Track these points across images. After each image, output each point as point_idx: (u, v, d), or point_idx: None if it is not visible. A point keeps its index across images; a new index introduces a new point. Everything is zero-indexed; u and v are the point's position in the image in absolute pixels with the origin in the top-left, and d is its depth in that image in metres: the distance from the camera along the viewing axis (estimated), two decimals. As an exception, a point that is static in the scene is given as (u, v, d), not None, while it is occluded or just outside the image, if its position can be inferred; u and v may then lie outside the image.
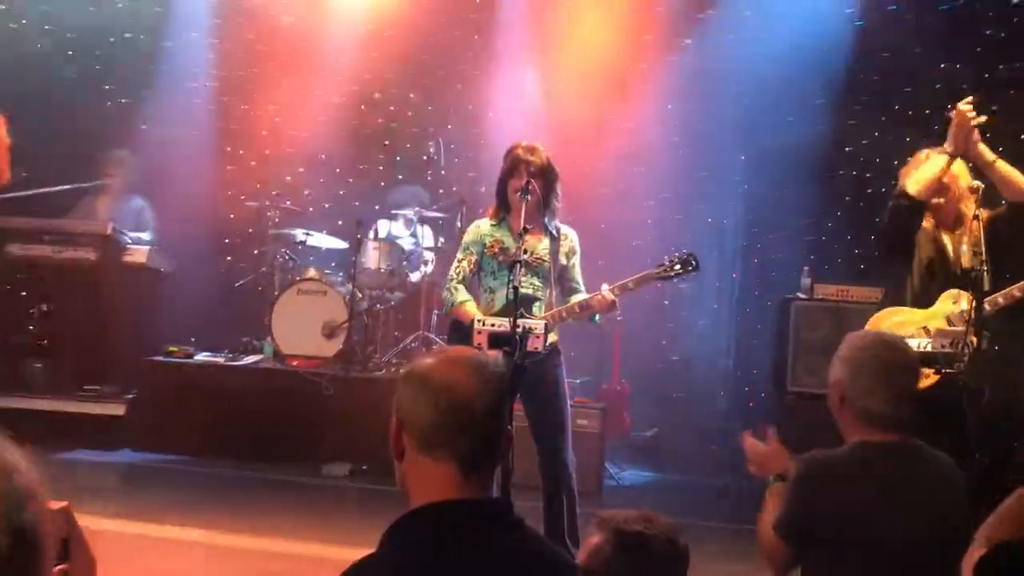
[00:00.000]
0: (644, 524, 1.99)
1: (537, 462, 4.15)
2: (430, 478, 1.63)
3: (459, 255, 4.35)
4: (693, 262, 4.11)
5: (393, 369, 6.97)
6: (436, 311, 7.44)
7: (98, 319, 7.02)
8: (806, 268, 6.59)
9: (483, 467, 1.65)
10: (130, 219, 7.43)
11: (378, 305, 7.36)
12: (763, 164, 7.53)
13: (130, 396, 6.82)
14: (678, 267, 4.11)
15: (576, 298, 4.25)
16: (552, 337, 4.13)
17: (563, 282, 4.32)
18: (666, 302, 8.01)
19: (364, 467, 6.26)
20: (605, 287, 4.09)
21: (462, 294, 4.22)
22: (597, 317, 4.23)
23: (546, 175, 4.18)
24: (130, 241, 7.29)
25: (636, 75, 7.87)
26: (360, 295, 7.22)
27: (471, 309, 4.16)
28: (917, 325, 3.71)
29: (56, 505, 2.62)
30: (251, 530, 4.81)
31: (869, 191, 7.25)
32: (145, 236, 7.46)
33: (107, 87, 8.33)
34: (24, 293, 7.24)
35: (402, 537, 1.59)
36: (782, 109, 7.35)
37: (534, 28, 8.13)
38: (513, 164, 4.17)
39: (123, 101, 8.31)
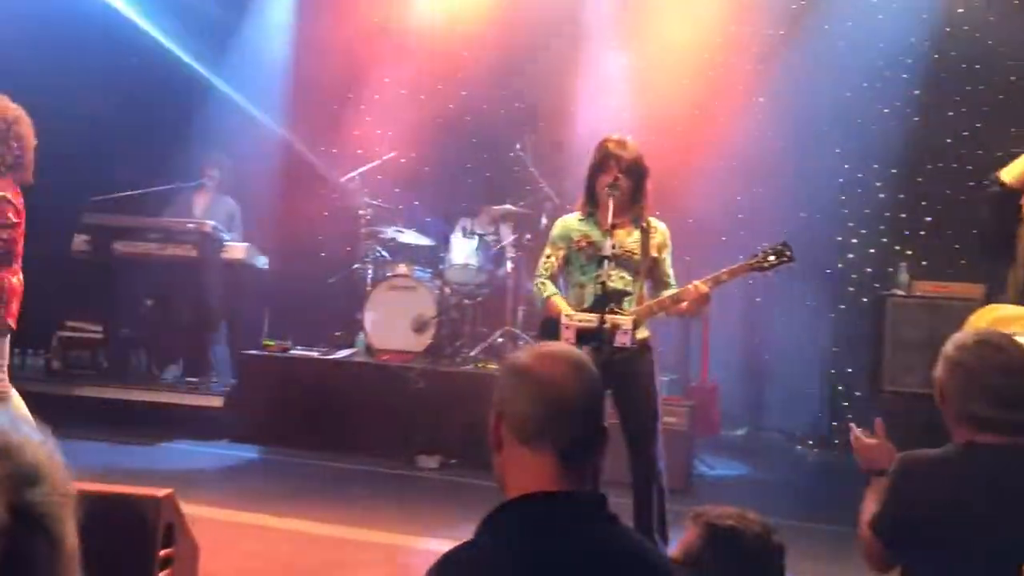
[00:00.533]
0: (738, 520, 1.97)
1: (627, 459, 4.13)
2: (528, 469, 1.66)
3: (547, 250, 4.35)
4: (788, 253, 4.00)
5: (480, 364, 7.03)
6: (522, 307, 7.48)
7: (198, 313, 7.29)
8: (903, 264, 6.40)
9: (580, 461, 1.67)
10: (222, 219, 7.68)
11: (466, 300, 7.44)
12: (858, 157, 7.35)
13: (228, 388, 7.05)
14: (772, 258, 4.00)
15: (668, 293, 4.19)
16: (643, 333, 4.10)
17: (654, 276, 4.26)
18: (758, 299, 7.88)
19: (453, 461, 6.34)
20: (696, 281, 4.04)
21: (550, 288, 4.22)
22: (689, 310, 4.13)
23: (635, 170, 4.14)
24: (228, 238, 7.54)
25: (727, 68, 7.76)
26: (448, 290, 7.30)
27: (559, 303, 4.13)
28: (1021, 322, 3.56)
29: (161, 492, 2.74)
30: (345, 520, 4.92)
31: (970, 184, 6.99)
32: (233, 237, 7.68)
33: (206, 88, 8.61)
34: (131, 289, 7.57)
35: (498, 526, 1.62)
36: (877, 100, 7.16)
37: (623, 23, 8.08)
38: (602, 158, 4.14)
39: (220, 102, 8.58)
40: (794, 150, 7.69)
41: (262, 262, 7.74)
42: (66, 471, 1.05)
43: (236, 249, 7.44)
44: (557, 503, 1.62)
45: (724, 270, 4.02)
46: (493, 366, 6.99)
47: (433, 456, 6.37)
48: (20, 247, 4.34)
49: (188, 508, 3.00)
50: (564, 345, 1.95)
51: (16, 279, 4.33)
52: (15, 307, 4.31)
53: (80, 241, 7.39)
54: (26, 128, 4.25)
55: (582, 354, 1.77)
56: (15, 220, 4.26)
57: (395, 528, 4.83)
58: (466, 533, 1.65)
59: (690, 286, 4.00)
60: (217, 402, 6.96)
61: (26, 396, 6.73)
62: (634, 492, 4.10)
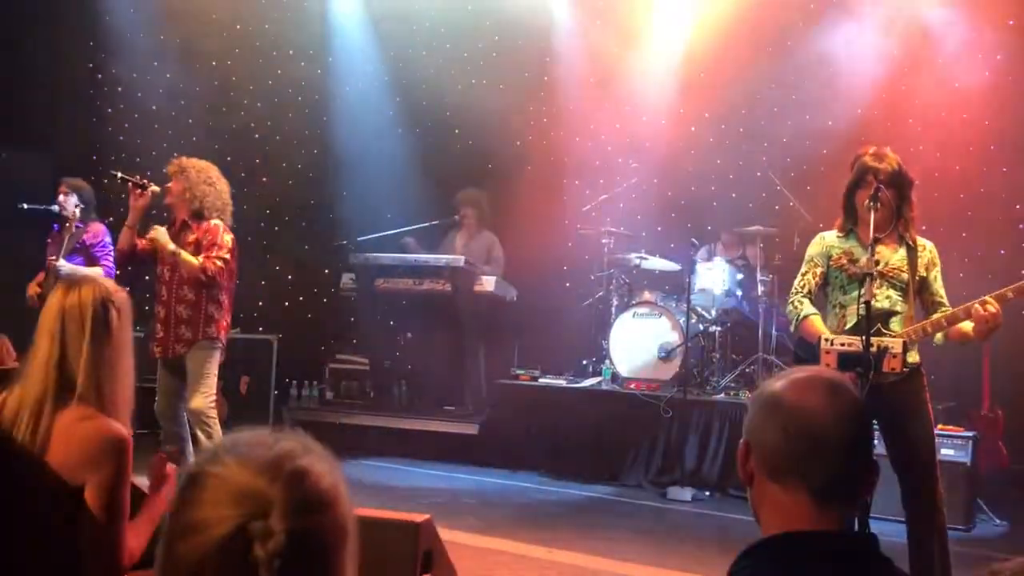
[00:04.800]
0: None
1: (901, 499, 3.77)
2: (780, 506, 1.53)
3: (803, 268, 4.10)
4: None
5: (732, 392, 6.79)
6: (776, 332, 7.16)
7: (454, 344, 7.60)
8: None
9: (840, 498, 1.52)
10: (481, 254, 7.95)
11: (714, 327, 7.23)
12: None
13: (483, 416, 7.28)
14: None
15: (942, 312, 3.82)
16: (913, 356, 3.77)
17: (924, 296, 3.91)
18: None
19: (707, 493, 6.14)
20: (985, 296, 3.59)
21: (807, 307, 3.96)
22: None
23: (897, 182, 3.83)
24: (481, 272, 7.81)
25: (991, 70, 7.08)
26: (695, 317, 7.13)
27: (818, 324, 3.87)
28: None
29: (420, 518, 2.83)
30: (598, 551, 4.88)
31: None
32: (491, 269, 7.93)
33: (456, 130, 9.03)
34: (391, 322, 8.06)
35: (752, 567, 1.51)
36: None
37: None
38: (860, 173, 3.86)
39: (469, 143, 8.97)
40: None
41: (511, 294, 7.95)
42: (350, 500, 1.09)
43: (487, 282, 7.68)
44: (815, 544, 1.48)
45: (1011, 287, 3.57)
46: (746, 395, 6.73)
47: (686, 488, 6.21)
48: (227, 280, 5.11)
49: (445, 534, 3.07)
50: (822, 370, 1.79)
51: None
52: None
53: (347, 279, 7.96)
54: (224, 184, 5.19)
55: (843, 379, 1.61)
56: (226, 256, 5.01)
57: (648, 561, 4.73)
58: (723, 571, 1.55)
59: (976, 304, 3.57)
60: (472, 429, 7.19)
61: (303, 425, 7.37)
62: (910, 533, 3.74)
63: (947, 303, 3.88)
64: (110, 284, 2.38)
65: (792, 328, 4.09)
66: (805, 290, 4.01)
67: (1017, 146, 7.01)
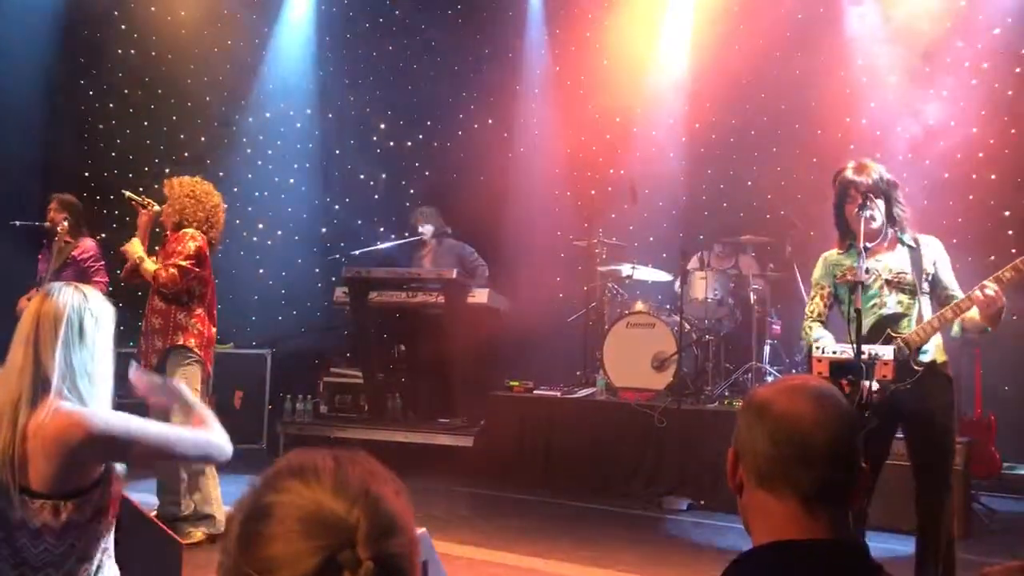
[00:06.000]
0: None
1: (915, 502, 3.80)
2: (770, 514, 1.54)
3: (811, 292, 4.16)
4: None
5: (726, 401, 6.81)
6: (769, 341, 7.20)
7: (448, 357, 7.60)
8: None
9: (831, 505, 1.52)
10: (452, 263, 7.82)
11: (707, 336, 7.25)
12: None
13: (477, 429, 7.27)
14: None
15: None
16: (932, 356, 3.80)
17: (936, 292, 3.94)
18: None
19: (702, 502, 6.15)
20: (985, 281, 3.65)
21: (816, 331, 3.99)
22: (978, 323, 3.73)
23: (881, 189, 3.87)
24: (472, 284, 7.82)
25: (979, 75, 7.13)
26: (688, 326, 7.16)
27: (822, 340, 3.93)
28: None
29: (416, 530, 2.83)
30: (595, 561, 4.88)
31: None
32: (476, 281, 7.91)
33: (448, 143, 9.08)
34: (385, 335, 8.06)
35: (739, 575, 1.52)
36: None
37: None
38: (843, 189, 3.91)
39: (460, 156, 9.01)
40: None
41: (504, 305, 7.96)
42: (414, 518, 1.08)
43: (480, 294, 7.70)
44: (805, 552, 1.49)
45: (1005, 268, 3.64)
46: (739, 404, 6.75)
47: (681, 497, 6.21)
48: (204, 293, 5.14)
49: (441, 547, 3.07)
50: (809, 377, 1.80)
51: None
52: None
53: (340, 293, 7.97)
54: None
55: (830, 387, 1.62)
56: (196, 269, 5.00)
57: (645, 571, 4.73)
58: (715, 579, 1.55)
59: (976, 291, 3.64)
60: (467, 442, 7.19)
61: (298, 439, 7.36)
62: (920, 540, 3.77)
63: (960, 294, 3.87)
64: (90, 292, 2.38)
65: (804, 355, 4.14)
66: (815, 315, 4.07)
67: (1004, 154, 7.06)
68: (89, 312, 2.31)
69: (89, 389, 2.27)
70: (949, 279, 3.95)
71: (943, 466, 3.76)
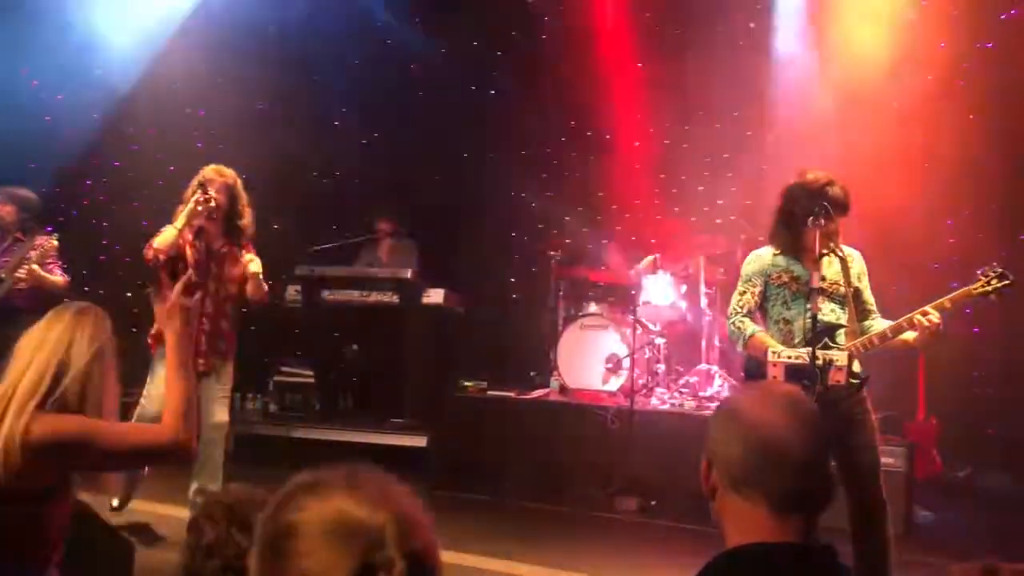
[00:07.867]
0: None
1: (847, 508, 3.86)
2: (742, 519, 1.58)
3: (740, 287, 4.13)
4: (1008, 275, 3.70)
5: (677, 403, 6.89)
6: (719, 344, 7.29)
7: (401, 357, 7.56)
8: None
9: (802, 510, 1.57)
10: (407, 262, 7.80)
11: (659, 339, 7.33)
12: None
13: (431, 429, 7.25)
14: (995, 281, 3.68)
15: (880, 323, 3.94)
16: (856, 367, 3.87)
17: (857, 305, 4.00)
18: (975, 329, 7.29)
19: (653, 503, 6.21)
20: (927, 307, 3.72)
21: (751, 325, 4.01)
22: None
23: (840, 202, 3.94)
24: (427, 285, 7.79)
25: (925, 87, 7.32)
26: (640, 329, 7.23)
27: (766, 339, 3.92)
28: None
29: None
30: (545, 561, 4.92)
31: None
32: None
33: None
34: (336, 334, 7.98)
35: (713, 578, 1.55)
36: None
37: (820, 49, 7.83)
38: (821, 202, 3.85)
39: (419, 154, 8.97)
40: (1005, 168, 7.14)
41: (459, 305, 7.95)
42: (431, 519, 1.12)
43: (435, 294, 7.67)
44: (777, 555, 1.52)
45: (946, 297, 3.72)
46: (691, 405, 6.83)
47: (631, 498, 6.26)
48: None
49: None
50: (781, 384, 1.85)
51: None
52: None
53: (292, 291, 7.87)
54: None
55: (801, 395, 1.67)
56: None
57: (596, 572, 4.77)
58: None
59: (917, 315, 3.70)
60: (421, 442, 7.15)
61: (247, 438, 7.24)
62: (855, 541, 3.84)
63: (877, 311, 4.01)
64: (93, 313, 2.42)
65: (740, 347, 4.11)
66: (745, 309, 4.05)
67: (950, 163, 7.23)
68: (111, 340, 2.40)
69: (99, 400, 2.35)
70: (869, 295, 4.06)
71: (875, 473, 3.83)
